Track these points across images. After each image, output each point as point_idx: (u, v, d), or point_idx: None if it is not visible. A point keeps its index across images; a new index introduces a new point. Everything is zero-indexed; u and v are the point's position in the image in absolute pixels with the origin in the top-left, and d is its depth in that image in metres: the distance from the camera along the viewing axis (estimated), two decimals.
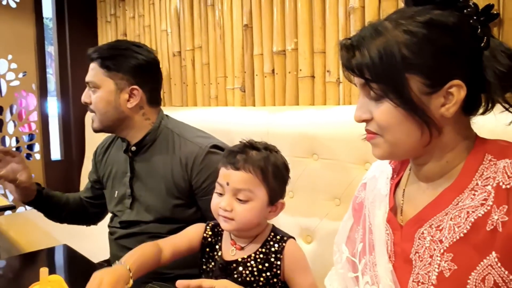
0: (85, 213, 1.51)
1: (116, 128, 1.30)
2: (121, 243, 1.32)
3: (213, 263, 0.97)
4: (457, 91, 0.62)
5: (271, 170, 0.91)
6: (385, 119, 0.64)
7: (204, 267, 0.98)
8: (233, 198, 0.90)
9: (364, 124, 0.69)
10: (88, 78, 1.28)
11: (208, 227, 1.01)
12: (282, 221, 1.51)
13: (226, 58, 1.97)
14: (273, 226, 0.99)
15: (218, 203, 0.92)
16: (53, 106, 3.14)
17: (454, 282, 0.60)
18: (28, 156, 2.91)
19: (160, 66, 2.41)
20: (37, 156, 2.90)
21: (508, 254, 0.57)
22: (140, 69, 1.28)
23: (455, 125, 0.65)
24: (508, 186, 0.59)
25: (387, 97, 0.63)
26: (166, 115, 1.37)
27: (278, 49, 1.71)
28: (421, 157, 0.68)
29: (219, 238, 0.99)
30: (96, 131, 1.30)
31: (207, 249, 0.98)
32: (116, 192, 1.35)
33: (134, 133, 1.30)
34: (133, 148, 1.30)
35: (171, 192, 1.25)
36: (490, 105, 0.66)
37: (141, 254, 0.92)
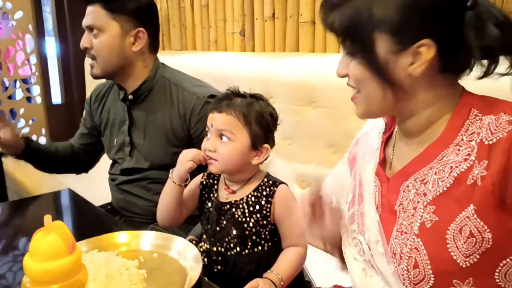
0: (75, 160, 1.48)
1: (116, 75, 1.29)
2: (122, 188, 1.36)
3: (209, 204, 1.04)
4: (427, 50, 0.60)
5: (254, 116, 0.97)
6: (355, 74, 0.65)
7: (203, 208, 1.06)
8: (217, 139, 0.97)
9: None
10: (89, 22, 1.23)
11: (205, 174, 1.07)
12: (279, 166, 1.55)
13: (226, 0, 1.90)
14: (267, 173, 1.04)
15: (204, 145, 0.99)
16: (52, 47, 3.08)
17: (435, 232, 0.63)
18: (29, 99, 2.91)
19: (159, 7, 2.33)
20: (38, 100, 2.90)
21: (484, 206, 0.59)
22: (143, 11, 1.26)
23: (430, 84, 0.64)
24: (490, 142, 0.60)
25: (355, 55, 0.64)
26: (163, 64, 1.36)
27: None
28: (401, 114, 0.69)
29: (216, 182, 1.05)
30: (96, 77, 1.29)
31: (204, 192, 1.06)
32: (115, 140, 1.37)
33: (132, 81, 1.29)
34: (130, 97, 1.30)
35: (170, 141, 1.27)
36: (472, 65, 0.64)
37: None
